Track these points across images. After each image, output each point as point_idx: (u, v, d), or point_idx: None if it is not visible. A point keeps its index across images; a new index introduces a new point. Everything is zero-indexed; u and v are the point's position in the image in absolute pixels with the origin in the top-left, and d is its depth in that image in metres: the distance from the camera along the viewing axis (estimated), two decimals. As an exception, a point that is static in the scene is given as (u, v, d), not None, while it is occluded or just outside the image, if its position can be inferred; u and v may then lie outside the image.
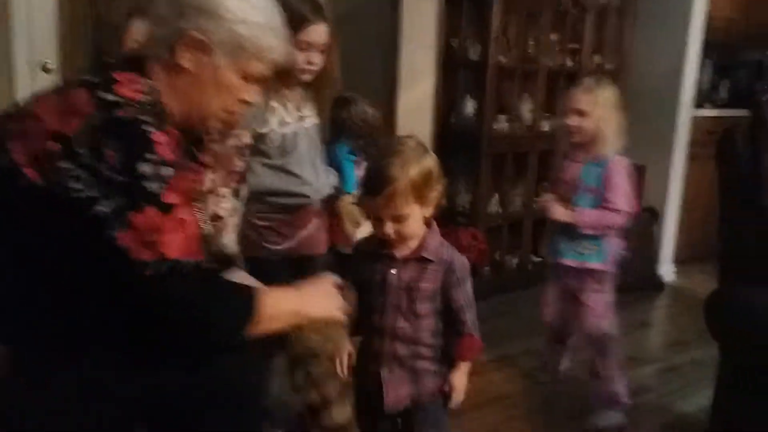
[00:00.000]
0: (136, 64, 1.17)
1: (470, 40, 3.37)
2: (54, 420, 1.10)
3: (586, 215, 2.14)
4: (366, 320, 1.53)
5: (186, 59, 1.16)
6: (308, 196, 1.89)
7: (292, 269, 1.91)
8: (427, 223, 1.50)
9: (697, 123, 3.81)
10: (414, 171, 1.40)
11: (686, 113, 3.68)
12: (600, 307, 2.24)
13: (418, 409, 1.53)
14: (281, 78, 1.62)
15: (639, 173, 3.76)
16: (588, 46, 3.57)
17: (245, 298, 1.17)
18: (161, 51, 1.16)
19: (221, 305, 1.14)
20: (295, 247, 1.93)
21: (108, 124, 1.04)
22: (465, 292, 1.50)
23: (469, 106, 3.40)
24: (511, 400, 2.42)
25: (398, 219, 1.42)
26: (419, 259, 1.48)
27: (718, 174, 2.06)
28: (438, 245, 1.50)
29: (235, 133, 1.63)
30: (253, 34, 1.18)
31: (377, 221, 1.45)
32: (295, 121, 1.88)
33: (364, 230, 2.15)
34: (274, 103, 1.84)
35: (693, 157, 3.81)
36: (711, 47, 4.07)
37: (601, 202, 2.14)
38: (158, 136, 1.06)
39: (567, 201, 2.19)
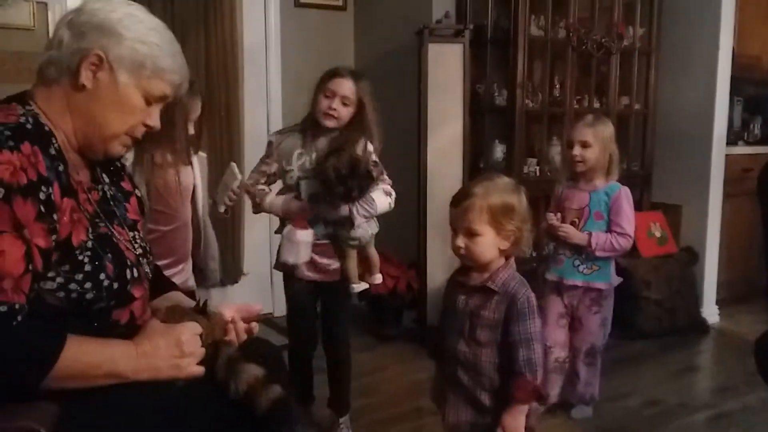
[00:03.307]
0: (19, 97, 1.21)
1: (496, 86, 3.41)
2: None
3: (601, 239, 2.33)
4: (440, 344, 1.64)
5: (87, 78, 1.18)
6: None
7: (317, 295, 2.28)
8: (506, 256, 1.57)
9: (732, 161, 3.75)
10: (495, 198, 1.52)
11: (719, 151, 3.62)
12: (596, 326, 2.45)
13: None
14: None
15: (675, 214, 3.72)
16: (614, 88, 3.57)
17: (41, 350, 1.08)
18: (61, 74, 1.19)
19: (10, 354, 1.04)
20: (312, 272, 2.21)
21: None
22: (523, 329, 1.50)
23: (498, 151, 3.42)
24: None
25: (470, 234, 1.52)
26: (486, 289, 1.55)
27: (761, 210, 2.00)
28: (507, 278, 1.55)
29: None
30: (152, 53, 1.21)
31: (453, 233, 1.56)
32: (312, 168, 2.13)
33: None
34: (304, 149, 2.14)
35: (729, 196, 3.73)
36: (740, 85, 4.04)
37: (607, 227, 2.36)
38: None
39: (573, 226, 2.40)
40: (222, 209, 2.18)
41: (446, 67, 3.17)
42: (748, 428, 2.47)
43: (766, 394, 1.92)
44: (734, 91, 3.80)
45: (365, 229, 2.16)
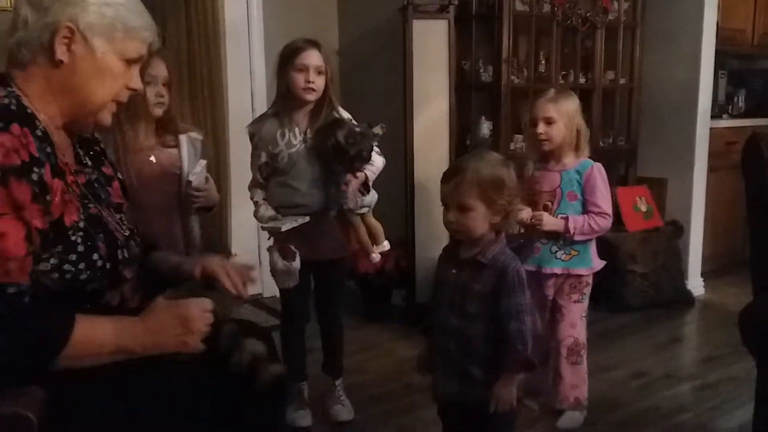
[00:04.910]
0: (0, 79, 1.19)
1: (481, 62, 3.39)
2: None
3: (578, 222, 2.17)
4: (432, 317, 1.67)
5: (63, 53, 1.16)
6: (307, 205, 2.13)
7: (312, 272, 2.26)
8: (496, 231, 1.59)
9: (716, 134, 3.77)
10: (485, 171, 1.54)
11: (704, 125, 3.64)
12: (576, 318, 2.29)
13: (474, 413, 1.59)
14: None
15: (660, 188, 3.74)
16: (600, 63, 3.56)
17: (53, 331, 1.08)
18: (35, 54, 1.17)
19: (23, 335, 1.05)
20: (309, 253, 2.18)
21: None
22: (513, 301, 1.53)
23: (485, 128, 3.40)
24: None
25: (462, 209, 1.54)
26: (476, 263, 1.57)
27: (745, 183, 2.01)
28: (498, 252, 1.57)
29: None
30: (119, 14, 1.20)
31: (445, 209, 1.58)
32: (299, 142, 2.13)
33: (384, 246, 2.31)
34: (283, 128, 2.13)
35: (714, 169, 3.76)
36: (724, 58, 4.05)
37: (582, 207, 2.20)
38: None
39: (546, 210, 2.21)
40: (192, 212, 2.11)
41: (431, 44, 3.14)
42: (734, 398, 2.51)
43: (750, 365, 1.94)
44: (718, 64, 3.81)
45: (372, 194, 2.21)
